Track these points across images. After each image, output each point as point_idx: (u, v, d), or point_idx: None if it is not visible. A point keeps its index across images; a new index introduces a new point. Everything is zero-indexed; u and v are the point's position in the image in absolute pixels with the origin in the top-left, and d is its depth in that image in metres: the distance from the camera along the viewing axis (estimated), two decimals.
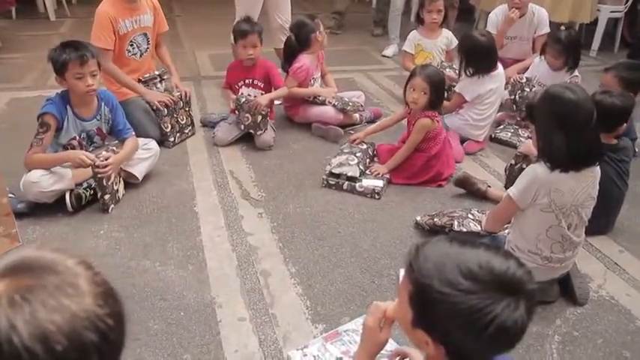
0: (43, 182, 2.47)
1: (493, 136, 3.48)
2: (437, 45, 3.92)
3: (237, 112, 3.19)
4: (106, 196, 2.54)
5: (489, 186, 2.79)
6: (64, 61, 2.46)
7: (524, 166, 2.64)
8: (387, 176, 2.84)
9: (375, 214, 2.61)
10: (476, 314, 0.87)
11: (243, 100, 3.16)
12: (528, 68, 3.71)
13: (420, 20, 3.91)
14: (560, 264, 2.01)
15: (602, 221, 2.52)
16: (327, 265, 2.24)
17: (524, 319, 0.89)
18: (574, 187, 1.88)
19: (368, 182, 2.75)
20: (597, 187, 1.96)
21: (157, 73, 3.30)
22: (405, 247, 2.35)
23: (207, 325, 1.90)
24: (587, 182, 1.92)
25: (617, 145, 2.46)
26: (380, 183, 2.75)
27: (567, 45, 3.32)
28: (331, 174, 2.79)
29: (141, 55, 3.30)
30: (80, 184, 2.59)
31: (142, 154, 2.79)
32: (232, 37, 3.48)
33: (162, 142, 3.18)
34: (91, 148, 2.69)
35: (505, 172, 2.77)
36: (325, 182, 2.81)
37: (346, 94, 3.66)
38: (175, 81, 3.41)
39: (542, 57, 3.49)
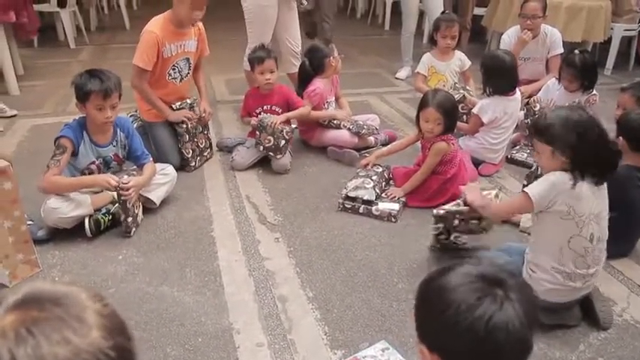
0: (63, 208, 2.50)
1: (509, 157, 3.46)
2: (450, 67, 3.94)
3: (258, 133, 3.19)
4: (129, 219, 2.56)
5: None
6: (87, 91, 2.51)
7: None
8: (403, 199, 2.83)
9: (392, 238, 2.60)
10: (461, 314, 0.92)
11: (267, 120, 3.18)
12: (541, 88, 3.71)
13: (433, 42, 3.94)
14: (583, 283, 1.97)
15: (625, 245, 2.50)
16: (345, 289, 2.23)
17: (515, 322, 0.91)
18: (590, 197, 1.90)
19: (384, 206, 2.75)
20: (607, 202, 1.99)
21: (188, 102, 3.33)
22: (422, 272, 2.33)
23: (226, 352, 1.90)
24: (601, 194, 1.95)
25: None
26: (396, 206, 2.74)
27: (582, 69, 3.34)
28: (347, 197, 2.79)
29: (181, 80, 3.33)
30: (99, 210, 2.63)
31: (160, 179, 2.82)
32: (246, 64, 3.53)
33: (183, 167, 3.23)
34: (109, 173, 2.73)
35: None
36: (341, 206, 2.81)
37: (361, 117, 3.68)
38: (204, 104, 3.43)
39: (557, 79, 3.50)
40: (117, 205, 2.65)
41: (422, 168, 2.84)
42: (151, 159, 2.83)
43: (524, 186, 2.72)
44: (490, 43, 6.05)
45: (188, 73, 3.35)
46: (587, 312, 2.07)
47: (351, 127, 3.43)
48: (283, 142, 3.19)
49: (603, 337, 2.01)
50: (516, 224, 2.68)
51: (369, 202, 2.75)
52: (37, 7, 6.23)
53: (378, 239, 2.59)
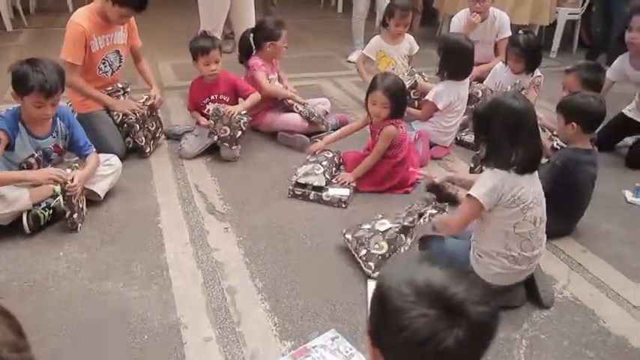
0: None
1: (458, 139, 3.51)
2: (399, 51, 3.94)
3: (213, 122, 3.10)
4: (75, 215, 2.46)
5: (457, 190, 2.81)
6: (28, 87, 2.36)
7: (484, 167, 2.68)
8: (354, 184, 2.83)
9: (343, 223, 2.58)
10: (412, 341, 0.86)
11: (223, 110, 3.10)
12: (490, 71, 3.77)
13: (385, 25, 3.91)
14: (528, 264, 2.02)
15: (567, 224, 2.58)
16: (295, 278, 2.21)
17: (461, 347, 0.85)
18: (530, 182, 1.95)
19: (334, 191, 2.74)
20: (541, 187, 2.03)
21: (120, 86, 3.22)
22: None
23: (172, 348, 1.85)
24: (535, 177, 2.00)
25: (593, 150, 2.52)
26: (346, 192, 2.74)
27: (526, 48, 3.40)
28: (297, 184, 2.77)
29: (112, 73, 3.21)
30: (38, 204, 2.51)
31: (104, 170, 2.71)
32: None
33: (139, 154, 3.17)
34: (49, 166, 2.61)
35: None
36: (292, 192, 2.79)
37: (312, 101, 3.64)
38: (154, 91, 3.32)
39: (504, 63, 3.56)
40: (57, 198, 2.55)
41: (372, 153, 2.83)
42: (94, 149, 2.72)
43: (471, 168, 2.78)
44: (441, 26, 6.09)
45: (119, 65, 3.24)
46: (530, 292, 2.13)
47: (302, 111, 3.40)
48: (240, 132, 3.13)
49: (546, 315, 2.07)
50: None
51: (319, 189, 2.74)
52: None
53: (330, 225, 2.57)
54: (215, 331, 1.93)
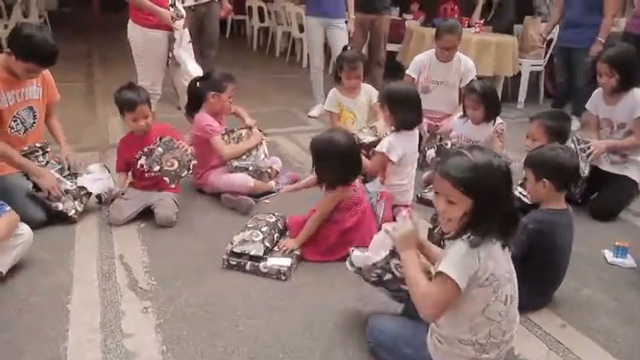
0: None
1: (420, 196, 3.24)
2: (358, 104, 3.72)
3: (163, 151, 2.83)
4: None
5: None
6: None
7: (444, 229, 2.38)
8: (297, 252, 2.50)
9: (284, 301, 2.25)
10: None
11: (178, 143, 2.86)
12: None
13: (338, 80, 3.71)
14: (497, 353, 1.67)
15: (543, 295, 2.29)
16: None
17: None
18: (503, 255, 1.62)
19: (273, 261, 2.41)
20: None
21: (37, 145, 2.90)
22: (315, 341, 2.00)
23: None
24: (505, 251, 1.65)
25: (567, 210, 2.26)
26: (287, 262, 2.41)
27: (482, 94, 3.24)
28: (233, 253, 2.43)
29: (25, 131, 2.91)
30: None
31: (9, 241, 2.34)
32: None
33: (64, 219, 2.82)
34: None
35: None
36: (226, 263, 2.45)
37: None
38: (65, 151, 3.03)
39: (463, 115, 3.38)
40: None
41: (315, 214, 2.53)
42: (8, 208, 2.35)
43: (429, 230, 2.48)
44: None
45: (33, 123, 2.94)
46: None
47: (250, 169, 3.11)
48: (185, 172, 2.91)
49: None
50: None
51: (256, 258, 2.40)
52: None
53: (267, 303, 2.23)
54: None
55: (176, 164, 2.85)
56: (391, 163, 2.94)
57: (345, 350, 1.96)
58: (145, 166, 2.83)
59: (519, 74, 5.43)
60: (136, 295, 2.27)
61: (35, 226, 2.60)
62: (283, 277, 2.37)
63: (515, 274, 1.69)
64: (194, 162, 2.94)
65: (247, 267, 2.41)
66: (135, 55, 3.74)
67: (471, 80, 3.40)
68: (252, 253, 2.39)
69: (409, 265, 1.70)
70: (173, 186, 2.90)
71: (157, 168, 2.83)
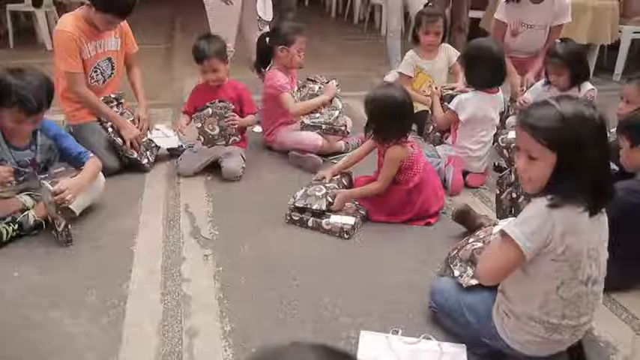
0: None
1: (497, 164, 3.02)
2: (436, 66, 3.52)
3: (211, 113, 2.82)
4: (62, 225, 2.19)
5: (495, 223, 2.32)
6: (8, 102, 2.15)
7: (513, 195, 2.19)
8: (362, 212, 2.41)
9: (345, 260, 2.17)
10: None
11: (231, 114, 2.82)
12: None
13: (416, 40, 3.52)
14: (571, 334, 1.51)
15: (632, 274, 2.02)
16: (272, 322, 1.80)
17: None
18: (590, 228, 1.41)
19: (336, 219, 2.32)
20: (607, 229, 1.49)
21: (112, 96, 2.97)
22: (374, 303, 1.91)
23: None
24: (601, 221, 1.46)
25: None
26: (351, 220, 2.32)
27: (567, 58, 2.91)
28: (295, 208, 2.37)
29: (104, 82, 2.99)
30: (2, 219, 2.24)
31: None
32: None
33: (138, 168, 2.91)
34: (21, 179, 2.36)
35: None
36: (288, 217, 2.40)
37: None
38: (140, 113, 3.06)
39: (546, 81, 3.09)
40: (25, 213, 2.28)
41: (378, 180, 2.41)
42: (91, 155, 2.47)
43: (496, 196, 2.30)
44: None
45: (112, 74, 3.01)
46: None
47: (323, 127, 3.03)
48: (222, 141, 2.87)
49: None
50: None
51: (319, 214, 2.33)
52: (11, 7, 5.99)
53: (328, 261, 2.16)
54: None
55: (217, 130, 2.83)
56: (460, 123, 2.76)
57: (405, 313, 1.86)
58: (195, 114, 2.85)
59: (618, 42, 4.92)
60: (197, 243, 2.28)
61: (109, 173, 2.69)
62: (346, 236, 2.29)
63: (605, 252, 1.49)
64: (235, 138, 2.90)
65: (310, 223, 2.34)
66: (207, 12, 3.74)
67: (555, 43, 3.06)
68: (314, 207, 2.32)
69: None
70: (200, 145, 2.89)
71: (198, 124, 2.82)
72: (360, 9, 8.07)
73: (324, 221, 2.32)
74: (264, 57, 3.21)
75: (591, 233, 1.42)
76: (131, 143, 2.87)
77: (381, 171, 2.41)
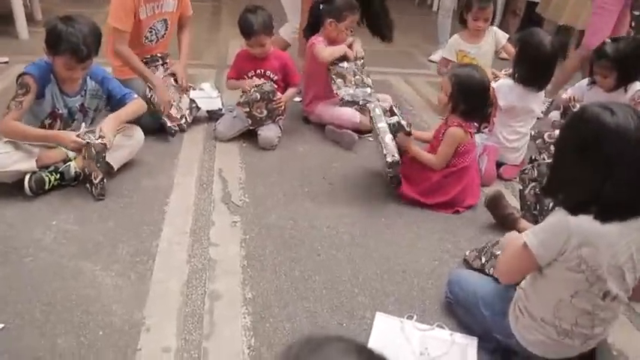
0: (2, 160, 2.23)
1: (533, 157, 2.95)
2: (482, 50, 3.43)
3: (259, 97, 2.82)
4: (98, 178, 2.30)
5: (523, 215, 2.30)
6: (60, 50, 2.24)
7: (537, 190, 2.16)
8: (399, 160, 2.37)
9: (369, 238, 2.20)
10: None
11: (278, 97, 2.85)
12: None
13: (463, 22, 3.42)
14: (583, 341, 1.50)
15: None
16: (292, 294, 1.85)
17: None
18: (614, 242, 1.35)
19: (392, 144, 2.33)
20: None
21: (159, 55, 3.02)
22: (393, 285, 1.93)
23: (123, 353, 1.57)
24: (632, 237, 1.37)
25: None
26: (398, 158, 2.32)
27: (615, 58, 2.73)
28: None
29: (157, 41, 3.05)
30: (46, 167, 2.34)
31: (122, 140, 2.50)
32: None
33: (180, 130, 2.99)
34: (73, 125, 2.48)
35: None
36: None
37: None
38: (179, 68, 3.10)
39: (591, 81, 2.94)
40: (68, 164, 2.37)
41: (436, 155, 2.41)
42: (136, 96, 2.57)
43: (520, 191, 2.28)
44: None
45: (164, 34, 3.05)
46: None
47: (360, 102, 3.00)
48: (270, 122, 2.91)
49: None
50: None
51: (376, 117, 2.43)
52: None
53: (351, 237, 2.19)
54: (178, 342, 1.62)
55: (264, 113, 2.85)
56: (498, 110, 2.71)
57: (422, 299, 1.88)
58: (242, 98, 2.86)
59: None
60: (227, 208, 2.33)
61: (147, 131, 2.75)
62: (388, 169, 2.35)
63: (633, 270, 1.41)
64: (281, 117, 2.94)
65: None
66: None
67: (604, 42, 2.89)
68: (393, 121, 2.40)
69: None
70: (252, 128, 2.90)
71: (247, 109, 2.83)
72: None
73: (385, 134, 2.36)
74: (314, 24, 3.18)
75: (614, 247, 1.35)
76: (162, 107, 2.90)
77: (439, 148, 2.40)
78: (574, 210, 1.36)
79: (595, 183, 1.32)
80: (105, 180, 2.32)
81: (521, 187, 2.24)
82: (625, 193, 1.31)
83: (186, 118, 2.99)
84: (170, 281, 1.87)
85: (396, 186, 2.46)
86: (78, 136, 2.31)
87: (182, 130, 2.98)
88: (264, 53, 2.90)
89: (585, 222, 1.34)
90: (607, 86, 2.84)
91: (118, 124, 2.42)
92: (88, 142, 2.27)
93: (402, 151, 2.40)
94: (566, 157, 1.43)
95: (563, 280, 1.42)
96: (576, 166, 1.38)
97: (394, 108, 2.54)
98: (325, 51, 3.01)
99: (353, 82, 3.04)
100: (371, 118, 2.51)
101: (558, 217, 1.39)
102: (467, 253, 2.05)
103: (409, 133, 2.43)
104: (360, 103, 3.03)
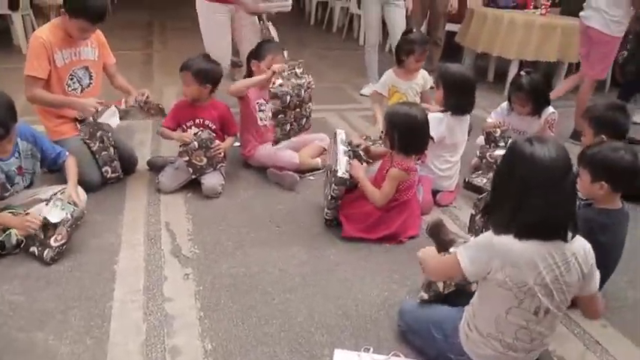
0: None
1: (467, 180, 3.15)
2: (412, 86, 3.64)
3: (197, 146, 2.86)
4: (60, 242, 2.30)
5: (465, 241, 2.44)
6: None
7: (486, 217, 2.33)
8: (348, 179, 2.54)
9: (320, 276, 2.28)
10: None
11: (216, 145, 2.90)
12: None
13: (399, 62, 3.62)
14: (525, 353, 1.64)
15: None
16: (251, 341, 1.90)
17: None
18: (537, 261, 1.49)
19: (344, 164, 2.53)
20: (578, 269, 1.55)
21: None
22: (347, 320, 2.02)
23: None
24: (558, 258, 1.51)
25: (622, 209, 2.12)
26: (347, 175, 2.51)
27: (530, 90, 3.05)
28: None
29: (82, 90, 3.03)
30: None
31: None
32: None
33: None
34: (12, 189, 2.46)
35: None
36: None
37: (309, 137, 3.36)
38: (137, 92, 3.11)
39: (510, 107, 3.23)
40: (8, 231, 2.32)
41: (380, 192, 2.55)
42: (67, 152, 2.64)
43: (472, 216, 2.44)
44: (464, 61, 5.80)
45: (90, 83, 3.05)
46: None
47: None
48: (210, 169, 2.96)
49: None
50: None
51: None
52: None
53: (303, 279, 2.26)
54: None
55: (204, 161, 2.90)
56: (431, 141, 2.90)
57: (376, 331, 1.97)
58: (181, 147, 2.90)
59: None
60: (178, 261, 2.36)
61: (91, 188, 2.75)
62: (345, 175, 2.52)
63: (561, 291, 1.55)
64: (222, 164, 3.00)
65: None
66: (202, 32, 3.77)
67: (519, 74, 3.17)
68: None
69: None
70: (193, 177, 2.95)
71: (186, 158, 2.88)
72: (339, 17, 8.19)
73: (342, 155, 2.56)
74: (248, 72, 3.30)
75: (537, 266, 1.49)
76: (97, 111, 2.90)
77: (382, 187, 2.55)
78: (497, 229, 1.54)
79: (512, 204, 1.50)
80: (39, 248, 2.30)
81: (473, 212, 2.38)
82: (537, 215, 1.48)
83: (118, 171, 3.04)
84: (128, 342, 1.87)
85: (330, 224, 2.62)
86: (46, 204, 2.38)
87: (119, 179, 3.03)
88: (188, 94, 3.01)
89: (506, 241, 1.51)
90: (525, 113, 3.14)
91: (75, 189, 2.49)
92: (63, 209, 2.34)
93: (350, 182, 2.55)
94: (495, 182, 1.64)
95: (496, 297, 1.57)
96: (500, 189, 1.59)
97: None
98: (235, 84, 3.16)
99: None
100: (334, 138, 2.69)
101: (485, 237, 1.57)
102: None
103: (367, 162, 2.63)
104: (293, 140, 3.15)
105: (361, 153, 2.71)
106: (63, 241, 2.29)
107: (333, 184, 2.52)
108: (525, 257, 1.50)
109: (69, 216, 2.32)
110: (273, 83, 2.95)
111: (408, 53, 3.52)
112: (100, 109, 2.89)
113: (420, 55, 3.54)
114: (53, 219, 2.31)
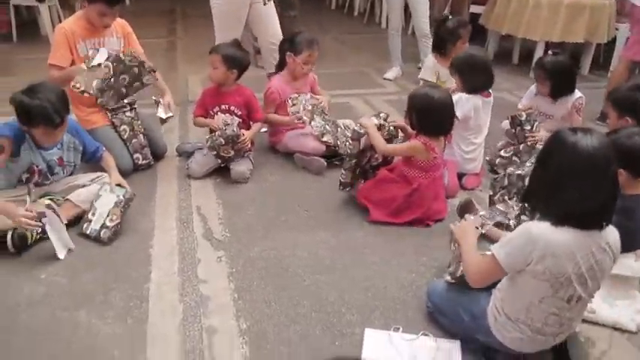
0: None
1: (490, 159, 3.18)
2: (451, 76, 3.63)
3: (224, 141, 2.90)
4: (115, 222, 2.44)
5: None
6: (34, 122, 2.35)
7: (506, 197, 2.34)
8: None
9: (348, 261, 2.33)
10: None
11: (242, 139, 2.94)
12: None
13: (441, 52, 3.62)
14: (555, 336, 1.67)
15: None
16: (284, 320, 1.96)
17: None
18: (574, 251, 1.51)
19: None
20: (612, 257, 1.57)
21: (126, 101, 3.08)
22: (377, 301, 2.07)
23: None
24: (594, 247, 1.53)
25: None
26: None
27: (551, 70, 3.03)
28: None
29: None
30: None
31: (95, 188, 2.56)
32: None
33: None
34: (52, 178, 2.56)
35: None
36: None
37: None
38: (167, 100, 3.19)
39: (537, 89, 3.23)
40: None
41: (389, 146, 2.64)
42: (104, 149, 2.76)
43: (490, 197, 2.45)
44: (488, 44, 5.73)
45: None
46: (559, 357, 1.78)
47: (315, 131, 3.15)
48: (239, 159, 3.03)
49: None
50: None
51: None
52: (14, 1, 6.06)
53: (333, 262, 2.31)
54: None
55: (232, 153, 2.95)
56: (456, 121, 2.91)
57: (405, 312, 2.02)
58: (208, 142, 2.94)
59: (614, 40, 5.03)
60: (210, 244, 2.43)
61: (122, 175, 2.82)
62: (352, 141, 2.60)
63: (602, 272, 1.57)
64: (249, 153, 3.08)
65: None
66: (213, 14, 3.81)
67: (546, 54, 3.18)
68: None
69: (464, 244, 1.81)
70: (222, 165, 3.02)
71: (214, 152, 2.93)
72: (360, 1, 8.13)
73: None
74: (281, 60, 3.34)
75: (575, 256, 1.50)
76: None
77: (396, 145, 2.65)
78: (537, 214, 1.55)
79: (552, 192, 1.51)
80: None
81: (491, 193, 2.40)
82: (577, 204, 1.48)
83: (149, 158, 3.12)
84: (166, 322, 1.95)
85: (344, 189, 2.72)
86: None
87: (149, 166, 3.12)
88: (214, 77, 3.06)
89: (545, 230, 1.51)
90: (544, 92, 3.12)
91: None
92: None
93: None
94: (535, 169, 1.64)
95: (531, 288, 1.58)
96: (542, 176, 1.58)
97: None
98: (269, 116, 3.27)
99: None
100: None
101: (522, 230, 1.57)
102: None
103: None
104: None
105: (397, 132, 2.75)
106: (117, 221, 2.42)
107: (347, 141, 2.59)
108: (564, 247, 1.51)
109: (121, 197, 2.45)
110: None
111: (456, 40, 3.56)
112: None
113: (467, 36, 3.60)
114: (107, 205, 2.45)
